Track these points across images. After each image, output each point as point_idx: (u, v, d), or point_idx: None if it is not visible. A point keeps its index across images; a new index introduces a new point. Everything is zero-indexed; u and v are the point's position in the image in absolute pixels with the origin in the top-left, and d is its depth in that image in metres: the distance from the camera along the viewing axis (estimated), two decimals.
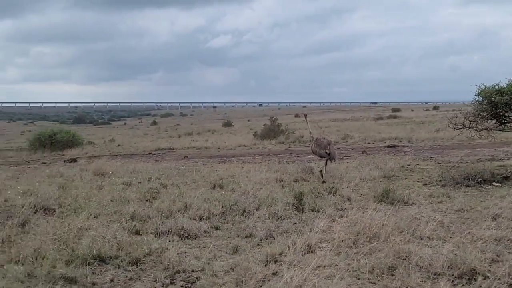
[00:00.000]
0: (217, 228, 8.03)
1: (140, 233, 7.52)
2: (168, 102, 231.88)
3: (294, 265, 5.82)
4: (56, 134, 31.24)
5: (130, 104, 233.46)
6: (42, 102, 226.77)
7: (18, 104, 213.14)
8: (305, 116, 15.76)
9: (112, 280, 5.63)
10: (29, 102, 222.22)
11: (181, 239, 7.28)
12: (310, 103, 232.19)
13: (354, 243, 6.78)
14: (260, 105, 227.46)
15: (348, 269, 5.79)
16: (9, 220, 8.16)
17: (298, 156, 20.38)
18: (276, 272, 5.72)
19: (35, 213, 8.80)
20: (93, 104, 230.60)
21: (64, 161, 22.91)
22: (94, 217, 8.43)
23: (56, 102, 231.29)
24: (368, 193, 10.66)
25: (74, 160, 22.92)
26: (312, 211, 9.09)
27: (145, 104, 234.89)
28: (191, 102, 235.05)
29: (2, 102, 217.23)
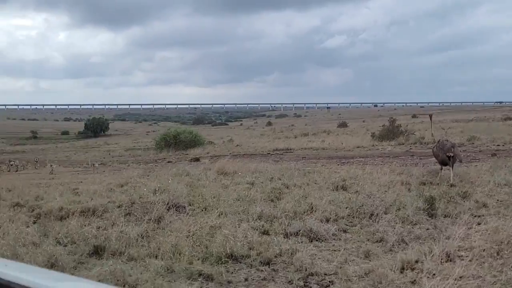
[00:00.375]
0: (345, 231, 7.84)
1: (269, 233, 7.54)
2: (282, 103, 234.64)
3: (434, 274, 5.47)
4: (180, 134, 32.90)
5: (246, 105, 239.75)
6: (165, 104, 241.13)
7: (143, 106, 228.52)
8: (430, 116, 15.01)
9: (246, 279, 5.68)
10: (153, 104, 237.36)
11: (310, 241, 7.19)
12: (428, 103, 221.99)
13: (497, 253, 6.22)
14: (375, 106, 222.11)
15: (495, 281, 5.31)
16: (146, 216, 8.63)
17: (420, 159, 19.44)
18: (415, 281, 5.41)
19: (168, 210, 9.21)
20: (211, 105, 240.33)
21: (188, 160, 24.03)
22: (223, 215, 8.63)
23: (177, 104, 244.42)
24: (507, 200, 9.80)
25: (197, 159, 23.94)
26: (445, 217, 8.55)
27: (260, 105, 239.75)
28: (304, 103, 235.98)
29: (129, 104, 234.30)
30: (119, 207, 10.01)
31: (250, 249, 6.57)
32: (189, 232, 7.30)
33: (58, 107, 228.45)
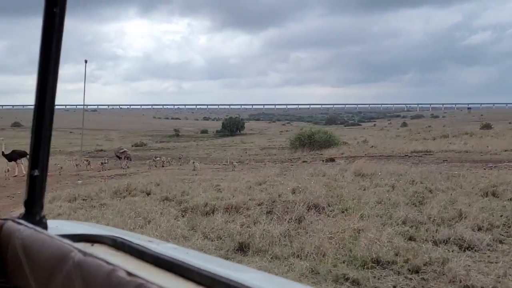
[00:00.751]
0: (501, 242, 7.17)
1: (415, 239, 7.17)
2: (418, 104, 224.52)
3: None
4: (314, 134, 32.92)
5: (379, 105, 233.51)
6: (298, 104, 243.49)
7: (277, 106, 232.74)
8: None
9: (394, 287, 5.43)
10: (286, 104, 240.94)
11: (462, 250, 6.69)
12: None
13: None
14: None
15: None
16: (287, 215, 8.70)
17: None
18: None
19: (308, 210, 9.20)
20: (344, 105, 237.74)
21: (323, 160, 23.93)
22: (365, 218, 8.39)
23: (310, 104, 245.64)
24: None
25: (332, 159, 23.73)
26: None
27: (394, 105, 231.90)
28: (442, 104, 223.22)
29: (263, 105, 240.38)
30: (259, 205, 10.21)
31: (396, 255, 6.29)
32: (331, 234, 7.20)
33: (198, 107, 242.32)
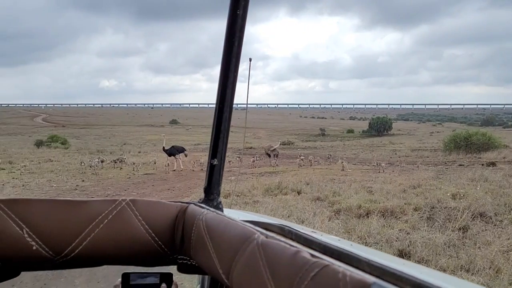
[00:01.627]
0: None
1: None
2: None
3: None
4: (471, 136, 30.55)
5: None
6: (450, 104, 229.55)
7: (427, 106, 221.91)
8: None
9: None
10: (437, 104, 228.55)
11: None
12: None
13: None
14: None
15: None
16: (449, 222, 8.06)
17: None
18: None
19: (472, 219, 8.44)
20: (502, 105, 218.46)
21: (482, 165, 22.06)
22: None
23: (463, 104, 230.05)
24: None
25: (492, 163, 21.77)
26: None
27: None
28: None
29: (413, 104, 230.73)
30: (416, 210, 9.65)
31: None
32: (503, 247, 6.48)
33: (344, 106, 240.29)
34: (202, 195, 1.70)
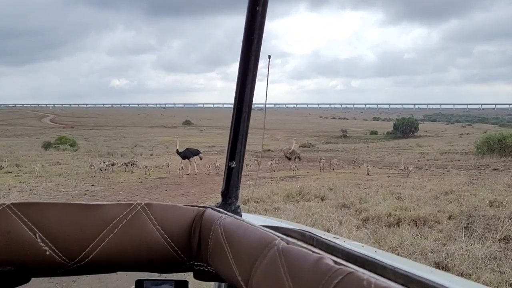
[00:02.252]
0: None
1: None
2: None
3: None
4: (505, 138, 30.01)
5: None
6: (481, 104, 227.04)
7: (456, 106, 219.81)
8: None
9: None
10: (467, 104, 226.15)
11: None
12: None
13: None
14: None
15: None
16: (488, 232, 7.82)
17: None
18: None
19: None
20: None
21: None
22: None
23: (495, 104, 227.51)
24: None
25: None
26: None
27: None
28: None
29: (440, 104, 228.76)
30: (450, 218, 9.42)
31: None
32: None
33: (367, 106, 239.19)
34: (220, 199, 1.73)
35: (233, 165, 1.67)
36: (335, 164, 25.84)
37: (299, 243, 1.11)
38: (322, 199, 12.62)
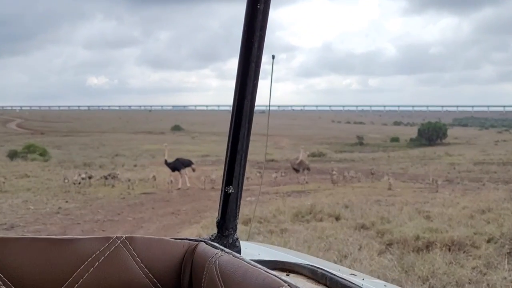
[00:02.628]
0: None
1: None
2: None
3: None
4: None
5: None
6: None
7: (491, 108, 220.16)
8: None
9: None
10: (503, 106, 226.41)
11: None
12: None
13: None
14: None
15: None
16: None
17: None
18: None
19: None
20: None
21: None
22: None
23: None
24: None
25: None
26: None
27: None
28: None
29: (472, 106, 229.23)
30: (490, 241, 9.34)
31: None
32: None
33: (386, 108, 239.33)
34: (215, 230, 1.72)
35: (230, 191, 1.64)
36: (350, 177, 25.80)
37: (299, 284, 1.07)
38: (337, 219, 12.56)
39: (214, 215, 15.20)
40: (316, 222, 12.28)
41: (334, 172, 25.53)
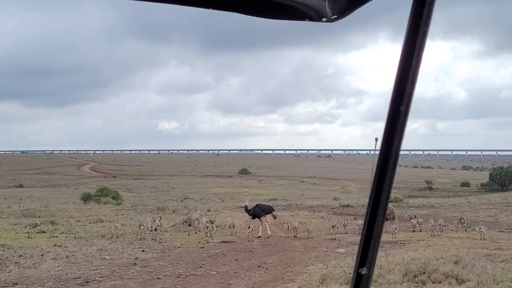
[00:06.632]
0: None
1: None
2: None
3: None
4: None
5: None
6: None
7: None
8: None
9: None
10: None
11: None
12: None
13: None
14: None
15: None
16: None
17: None
18: None
19: None
20: None
21: None
22: None
23: None
24: None
25: None
26: None
27: None
28: None
29: None
30: None
31: None
32: None
33: (454, 152, 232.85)
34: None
35: (363, 272, 1.28)
36: (439, 225, 23.46)
37: None
38: (458, 281, 10.51)
39: (305, 270, 13.42)
40: (433, 285, 10.29)
41: (420, 220, 23.52)
